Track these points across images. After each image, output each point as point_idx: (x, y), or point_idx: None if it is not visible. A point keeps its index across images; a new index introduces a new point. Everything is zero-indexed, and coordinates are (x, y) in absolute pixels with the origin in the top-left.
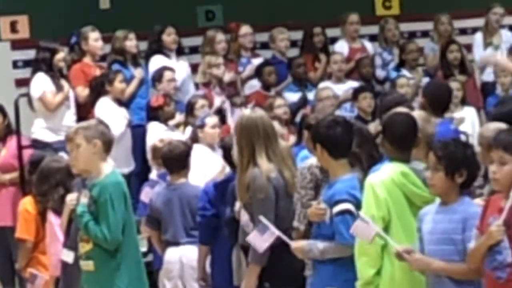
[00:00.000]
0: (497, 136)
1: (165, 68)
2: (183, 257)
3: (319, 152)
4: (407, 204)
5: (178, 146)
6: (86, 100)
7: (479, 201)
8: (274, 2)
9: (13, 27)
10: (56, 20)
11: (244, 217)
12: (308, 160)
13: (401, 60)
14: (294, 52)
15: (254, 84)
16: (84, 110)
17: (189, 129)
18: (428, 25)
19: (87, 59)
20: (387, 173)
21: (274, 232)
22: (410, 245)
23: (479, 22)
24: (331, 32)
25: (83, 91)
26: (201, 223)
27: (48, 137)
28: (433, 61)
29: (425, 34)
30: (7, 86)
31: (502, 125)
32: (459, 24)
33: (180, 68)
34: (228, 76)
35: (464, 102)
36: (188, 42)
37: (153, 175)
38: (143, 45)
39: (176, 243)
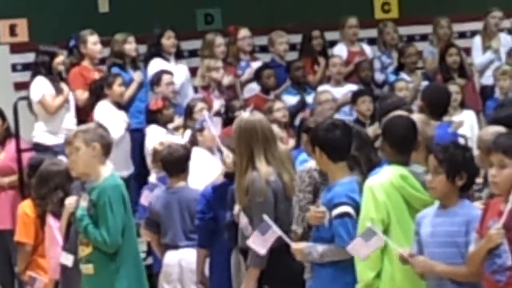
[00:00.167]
0: (496, 139)
1: (163, 72)
2: (182, 260)
3: (318, 155)
4: (406, 207)
5: (178, 150)
6: (85, 104)
7: (478, 205)
8: (273, 6)
9: (12, 31)
10: (55, 24)
11: (243, 220)
12: (307, 164)
13: (400, 64)
14: (293, 56)
15: (253, 88)
16: (83, 114)
17: (188, 133)
18: (427, 29)
19: (85, 63)
20: (386, 176)
21: (276, 231)
22: (410, 248)
23: (478, 25)
24: (330, 35)
25: (82, 95)
26: (199, 226)
27: (49, 140)
28: (432, 65)
29: (424, 37)
30: (6, 89)
31: (501, 129)
32: (458, 27)
33: (179, 71)
34: (227, 80)
35: (463, 105)
36: (187, 45)
37: (152, 178)
38: (142, 49)
39: (175, 247)
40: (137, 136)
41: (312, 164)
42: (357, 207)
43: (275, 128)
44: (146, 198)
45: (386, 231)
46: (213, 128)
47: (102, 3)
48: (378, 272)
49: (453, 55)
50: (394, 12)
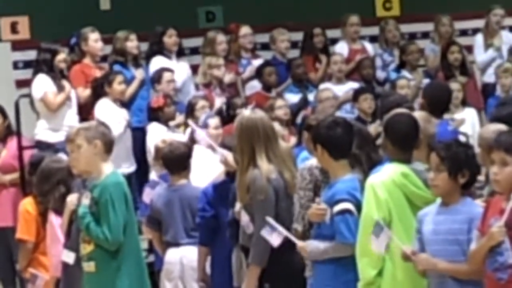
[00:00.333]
0: (498, 137)
1: (164, 69)
2: (184, 258)
3: (320, 153)
4: (407, 205)
5: (179, 147)
6: (86, 101)
7: (479, 202)
8: (274, 3)
9: (14, 28)
10: (57, 21)
11: (244, 218)
12: (308, 161)
13: (402, 61)
14: (294, 53)
15: (255, 85)
16: (85, 111)
17: (189, 130)
18: (428, 26)
19: (87, 60)
20: (387, 174)
21: (282, 232)
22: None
23: (479, 23)
24: (331, 33)
25: (83, 92)
26: (200, 224)
27: (51, 137)
28: (433, 62)
29: (425, 35)
30: (8, 87)
31: (502, 127)
32: (459, 25)
33: (180, 69)
34: (228, 77)
35: (464, 103)
36: (188, 43)
37: (153, 176)
38: (144, 46)
39: (177, 244)
40: (138, 134)
41: (313, 162)
42: (358, 205)
43: (277, 126)
44: (147, 195)
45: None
46: (199, 139)
47: (104, 0)
48: (379, 270)
49: (455, 53)
50: (395, 9)
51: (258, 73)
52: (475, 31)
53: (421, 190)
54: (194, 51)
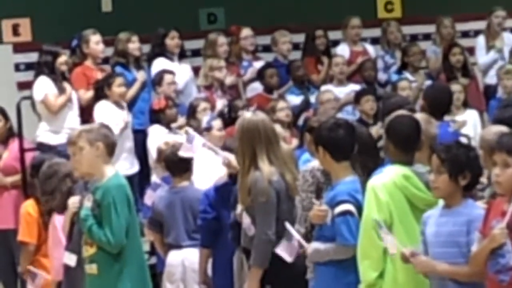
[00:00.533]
0: (500, 139)
1: (164, 71)
2: (185, 260)
3: (321, 155)
4: (409, 207)
5: None
6: (88, 103)
7: (480, 204)
8: (276, 5)
9: (15, 30)
10: (58, 23)
11: (246, 220)
12: (310, 163)
13: (404, 63)
14: (296, 55)
15: (256, 87)
16: (86, 113)
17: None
18: (429, 28)
19: (88, 62)
20: (389, 176)
21: (295, 236)
22: (414, 248)
23: (481, 24)
24: (333, 34)
25: (85, 94)
26: (202, 226)
27: (52, 139)
28: (435, 64)
29: (427, 37)
30: (9, 89)
31: (503, 128)
32: (461, 27)
33: (182, 71)
34: (229, 79)
35: (466, 104)
36: (190, 45)
37: (154, 178)
38: (145, 48)
39: (178, 246)
40: (139, 136)
41: (315, 164)
42: (359, 207)
43: (278, 127)
44: (149, 197)
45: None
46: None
47: (105, 2)
48: (381, 273)
49: (457, 55)
50: (397, 11)
51: (260, 75)
52: (477, 32)
53: (423, 192)
54: (196, 53)
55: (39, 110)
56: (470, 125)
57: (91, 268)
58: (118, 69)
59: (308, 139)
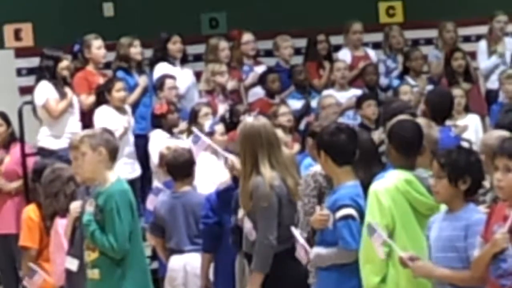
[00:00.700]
0: (502, 144)
1: (166, 76)
2: (187, 265)
3: (323, 159)
4: (411, 212)
5: (183, 154)
6: (90, 108)
7: (482, 209)
8: (278, 10)
9: (17, 35)
10: (60, 28)
11: (248, 225)
12: (312, 168)
13: (405, 68)
14: (298, 60)
15: (258, 92)
16: (88, 118)
17: (191, 137)
18: (431, 33)
19: (90, 67)
20: (391, 181)
21: (300, 241)
22: (414, 253)
23: (482, 29)
24: (335, 39)
25: (87, 99)
26: (204, 231)
27: (53, 144)
28: (437, 69)
29: (428, 41)
30: (11, 94)
31: (505, 133)
32: (462, 31)
33: (184, 76)
34: (231, 84)
35: (467, 109)
36: (192, 49)
37: (156, 182)
38: (147, 53)
39: (180, 251)
40: (140, 141)
41: (317, 168)
42: (361, 211)
43: (279, 132)
44: (151, 202)
45: (391, 236)
46: (197, 146)
47: (107, 7)
48: (383, 277)
49: (459, 59)
50: (398, 16)
51: (261, 80)
52: (478, 37)
53: (425, 197)
54: (198, 57)
55: (40, 115)
56: (472, 129)
57: (93, 273)
58: (120, 73)
59: (310, 143)
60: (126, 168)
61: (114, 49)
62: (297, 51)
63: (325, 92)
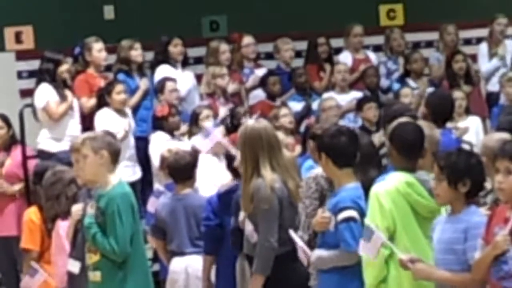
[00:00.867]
0: (503, 146)
1: (166, 79)
2: (189, 267)
3: (324, 162)
4: (412, 214)
5: (184, 157)
6: (91, 111)
7: (483, 211)
8: (279, 13)
9: (18, 38)
10: (61, 31)
11: (249, 227)
12: (314, 170)
13: (406, 70)
14: (298, 62)
15: (258, 94)
16: (89, 121)
17: (192, 140)
18: (432, 35)
19: (91, 70)
20: (392, 183)
21: (298, 244)
22: (415, 255)
23: (483, 32)
24: (335, 42)
25: (88, 102)
26: (205, 233)
27: (53, 147)
28: (438, 71)
29: (429, 44)
30: (12, 96)
31: (505, 135)
32: (463, 34)
33: (185, 78)
34: (232, 87)
35: (468, 111)
36: (192, 52)
37: (157, 185)
38: (148, 56)
39: (182, 253)
40: (141, 143)
41: (318, 171)
42: (362, 213)
43: (280, 135)
44: (152, 204)
45: (392, 238)
46: (207, 141)
47: (108, 10)
48: (385, 278)
49: (460, 62)
50: (399, 19)
51: (262, 83)
52: (479, 40)
53: (426, 199)
54: (198, 60)
55: (40, 117)
56: (473, 131)
57: (95, 276)
58: (121, 76)
59: (311, 146)
60: (127, 171)
61: (115, 52)
62: (298, 54)
63: (326, 95)
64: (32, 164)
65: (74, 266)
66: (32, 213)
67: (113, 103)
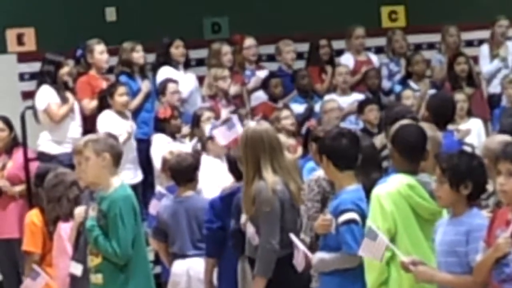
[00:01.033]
0: (505, 148)
1: (168, 80)
2: (190, 269)
3: (325, 164)
4: (413, 216)
5: (186, 159)
6: (92, 113)
7: (484, 213)
8: (280, 15)
9: (20, 40)
10: (63, 33)
11: (250, 229)
12: (316, 173)
13: (408, 72)
14: (300, 64)
15: (260, 96)
16: (90, 123)
17: (194, 142)
18: (434, 37)
19: (93, 72)
20: (393, 185)
21: (300, 247)
22: (417, 257)
23: (484, 34)
24: (337, 44)
25: (89, 104)
26: (207, 236)
27: (53, 149)
28: (440, 73)
29: (431, 46)
30: (14, 98)
31: (507, 137)
32: (465, 36)
33: (187, 80)
34: (234, 89)
35: (470, 113)
36: (194, 54)
37: (158, 187)
38: (150, 58)
39: (183, 256)
40: (143, 145)
41: (320, 173)
42: (362, 215)
43: (282, 137)
44: (154, 207)
45: (393, 240)
46: (230, 133)
47: (110, 12)
48: (386, 280)
49: (462, 64)
50: (401, 20)
51: (264, 85)
52: (480, 42)
53: (427, 202)
54: (200, 62)
55: (41, 119)
56: (474, 134)
57: (97, 278)
58: (123, 78)
59: (313, 148)
60: (129, 174)
61: (117, 54)
62: (299, 56)
63: (327, 97)
64: (33, 166)
65: (77, 269)
66: (33, 216)
67: (115, 105)
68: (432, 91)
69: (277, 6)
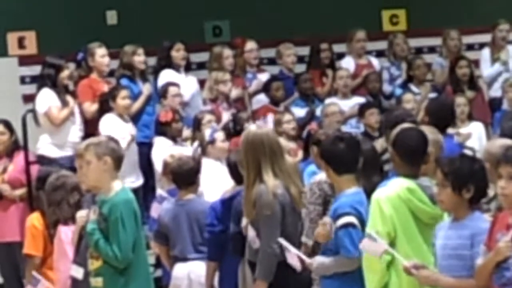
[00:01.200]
0: (506, 152)
1: (169, 84)
2: (191, 273)
3: (325, 168)
4: (413, 220)
5: (188, 162)
6: (93, 116)
7: (486, 217)
8: (281, 18)
9: (21, 43)
10: (64, 36)
11: (251, 233)
12: (317, 176)
13: (409, 76)
14: (301, 68)
15: (261, 99)
16: (91, 126)
17: (195, 145)
18: (435, 41)
19: (94, 75)
20: (393, 189)
21: (293, 252)
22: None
23: (485, 38)
24: (338, 47)
25: (91, 107)
26: (209, 239)
27: (54, 153)
28: (441, 77)
29: (432, 49)
30: (15, 101)
31: (508, 141)
32: (466, 40)
33: (189, 83)
34: (235, 92)
35: (471, 117)
36: (195, 58)
37: (159, 190)
38: (151, 61)
39: (184, 259)
40: (144, 149)
41: (322, 176)
42: (361, 219)
43: (283, 140)
44: (155, 210)
45: (392, 244)
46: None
47: (111, 15)
48: (386, 284)
49: (463, 68)
50: (402, 24)
51: (266, 88)
52: (481, 45)
53: (427, 206)
54: (201, 66)
55: (41, 122)
56: (475, 137)
57: (97, 282)
58: (124, 81)
59: (315, 151)
60: (130, 177)
61: (118, 57)
62: (300, 59)
63: (328, 100)
64: (35, 169)
65: (78, 272)
66: (34, 219)
67: (117, 108)
68: (433, 95)
69: (278, 10)
